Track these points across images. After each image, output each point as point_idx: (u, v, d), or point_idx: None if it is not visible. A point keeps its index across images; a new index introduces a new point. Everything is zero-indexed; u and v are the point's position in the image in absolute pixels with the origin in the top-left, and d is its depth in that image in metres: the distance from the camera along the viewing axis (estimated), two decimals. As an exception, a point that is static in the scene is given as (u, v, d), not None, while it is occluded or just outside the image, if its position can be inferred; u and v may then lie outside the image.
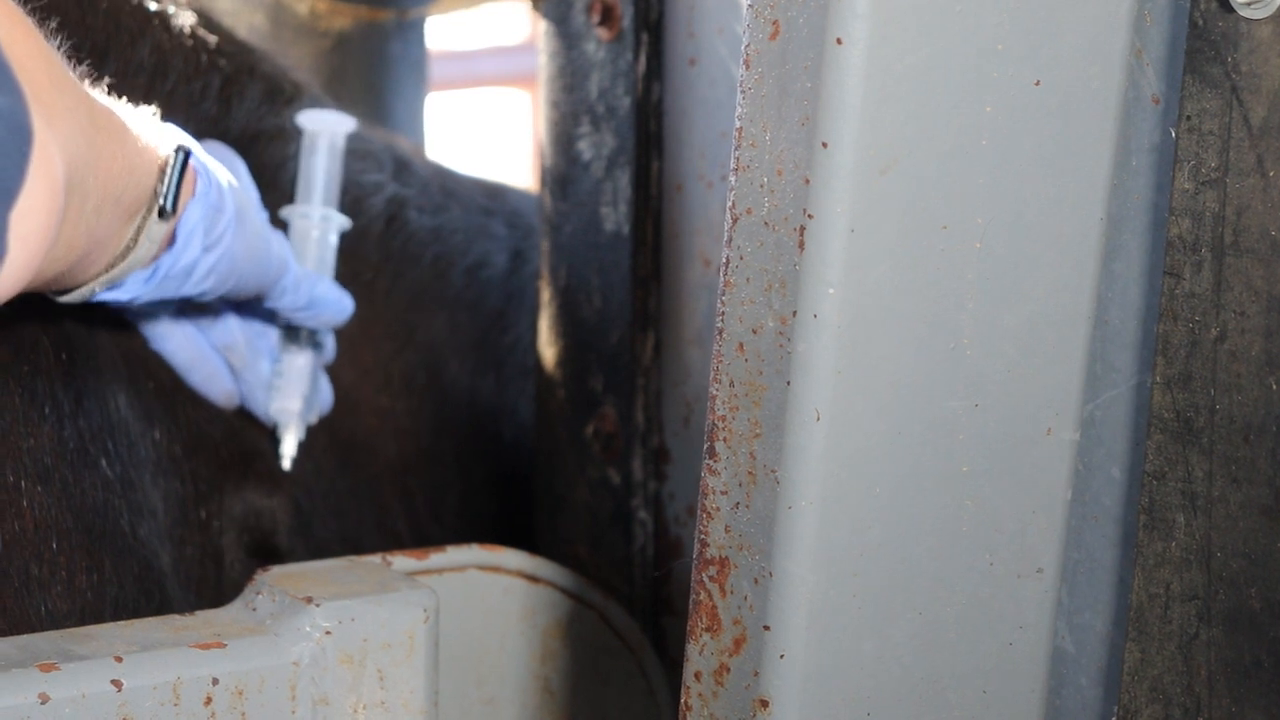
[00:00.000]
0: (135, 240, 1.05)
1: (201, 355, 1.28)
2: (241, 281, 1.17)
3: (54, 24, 1.02)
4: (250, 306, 1.30)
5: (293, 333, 1.32)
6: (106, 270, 1.06)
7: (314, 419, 1.35)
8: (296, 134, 1.39)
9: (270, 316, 1.31)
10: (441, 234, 1.52)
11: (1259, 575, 0.87)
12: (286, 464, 1.33)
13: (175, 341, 1.26)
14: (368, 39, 1.99)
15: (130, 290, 1.09)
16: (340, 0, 1.95)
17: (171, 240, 1.09)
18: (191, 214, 1.09)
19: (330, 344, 1.36)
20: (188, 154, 1.07)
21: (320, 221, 1.35)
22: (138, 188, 1.03)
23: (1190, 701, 0.90)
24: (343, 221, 1.36)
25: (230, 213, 1.13)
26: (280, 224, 1.35)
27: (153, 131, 1.06)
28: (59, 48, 0.97)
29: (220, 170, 1.15)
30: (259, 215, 1.22)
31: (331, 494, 1.40)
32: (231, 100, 1.36)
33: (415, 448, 1.48)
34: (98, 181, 0.97)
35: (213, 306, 1.28)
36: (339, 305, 1.30)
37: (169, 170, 1.05)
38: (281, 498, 1.35)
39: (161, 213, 1.05)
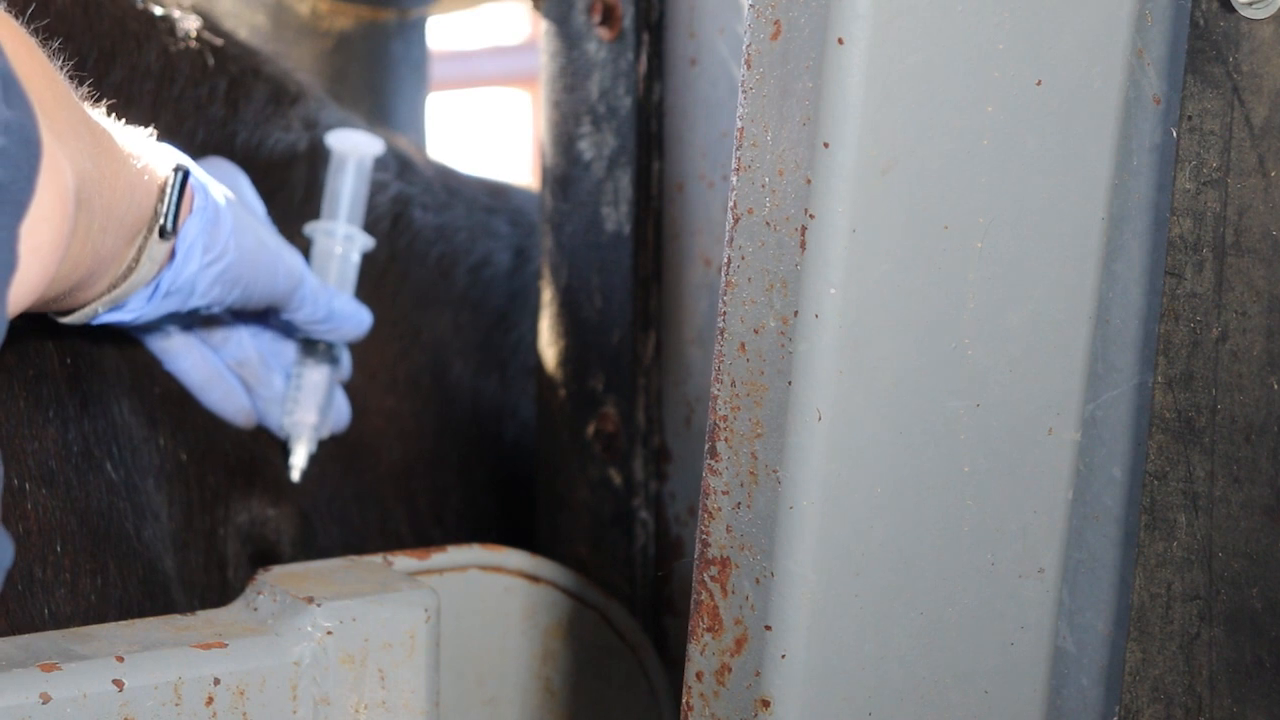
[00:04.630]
0: (137, 260, 1.06)
1: (216, 374, 1.28)
2: (248, 292, 1.17)
3: (60, 36, 1.02)
4: (267, 320, 1.30)
5: (310, 346, 1.32)
6: (109, 290, 1.06)
7: (327, 433, 1.35)
8: (308, 139, 1.39)
9: (288, 330, 1.31)
10: (446, 232, 1.52)
11: (1260, 575, 0.87)
12: (295, 475, 1.33)
13: (189, 361, 1.26)
14: (369, 39, 1.99)
15: (133, 310, 1.10)
16: (341, 0, 1.95)
17: (170, 256, 1.10)
18: (189, 229, 1.10)
19: (346, 360, 1.36)
20: (186, 173, 1.07)
21: (344, 240, 1.35)
22: (139, 208, 1.04)
23: (1192, 701, 0.90)
24: (366, 241, 1.36)
25: (228, 226, 1.13)
26: (303, 239, 1.36)
27: (150, 152, 1.07)
28: (61, 66, 0.97)
29: (216, 186, 1.15)
30: (264, 228, 1.23)
31: (336, 500, 1.40)
32: (239, 102, 1.36)
33: (419, 450, 1.47)
34: (103, 201, 0.98)
35: (224, 323, 1.28)
36: (357, 318, 1.30)
37: (169, 190, 1.06)
38: (287, 506, 1.35)
39: (162, 232, 1.06)
